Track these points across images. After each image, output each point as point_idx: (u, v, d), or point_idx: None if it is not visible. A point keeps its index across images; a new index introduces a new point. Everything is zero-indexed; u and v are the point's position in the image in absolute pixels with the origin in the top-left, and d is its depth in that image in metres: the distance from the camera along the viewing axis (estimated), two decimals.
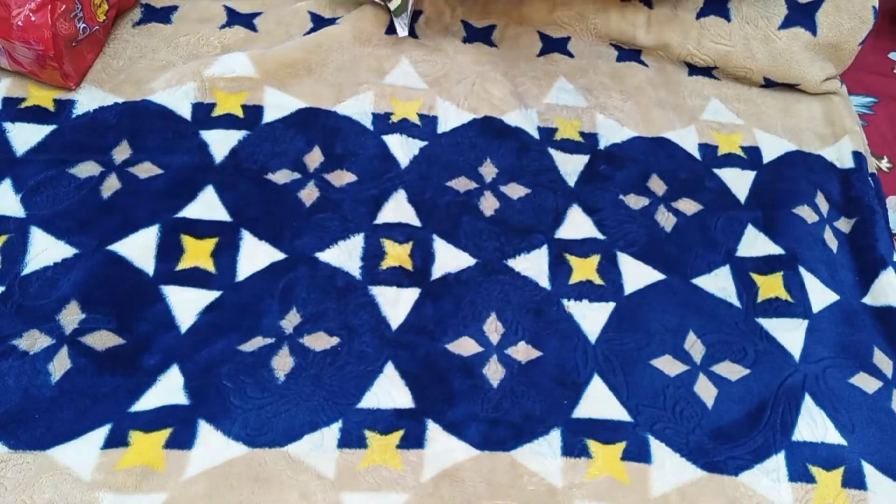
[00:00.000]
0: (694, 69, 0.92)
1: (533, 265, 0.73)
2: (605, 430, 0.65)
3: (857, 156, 0.86)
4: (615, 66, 0.91)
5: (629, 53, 0.92)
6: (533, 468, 0.62)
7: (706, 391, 0.68)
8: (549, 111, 0.85)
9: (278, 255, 0.72)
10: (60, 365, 0.64)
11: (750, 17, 0.89)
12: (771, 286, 0.75)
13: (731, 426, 0.66)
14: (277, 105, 0.82)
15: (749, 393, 0.68)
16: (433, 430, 0.64)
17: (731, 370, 0.69)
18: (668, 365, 0.69)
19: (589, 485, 0.62)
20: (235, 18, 0.90)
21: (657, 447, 0.64)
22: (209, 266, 0.71)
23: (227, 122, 0.80)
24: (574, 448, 0.64)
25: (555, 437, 0.64)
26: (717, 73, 0.93)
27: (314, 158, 0.78)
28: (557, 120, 0.84)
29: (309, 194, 0.76)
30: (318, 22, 0.90)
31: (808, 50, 0.89)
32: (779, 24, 0.89)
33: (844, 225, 0.82)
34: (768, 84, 0.92)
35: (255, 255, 0.72)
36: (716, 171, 0.84)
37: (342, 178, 0.77)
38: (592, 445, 0.64)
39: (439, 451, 0.62)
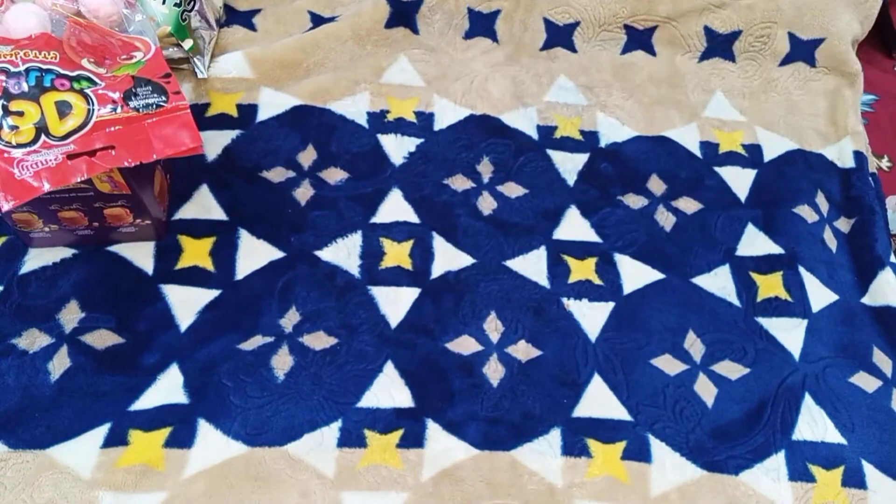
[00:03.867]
0: (708, 50, 0.90)
1: (531, 265, 0.73)
2: (605, 430, 0.65)
3: (859, 155, 0.86)
4: (619, 60, 0.90)
5: (638, 39, 0.91)
6: (533, 467, 0.62)
7: (706, 390, 0.68)
8: (549, 109, 0.85)
9: (277, 254, 0.72)
10: (60, 364, 0.64)
11: None
12: (770, 285, 0.75)
13: (731, 425, 0.66)
14: (272, 103, 0.81)
15: (749, 392, 0.68)
16: (433, 430, 0.64)
17: (731, 369, 0.69)
18: (668, 364, 0.69)
19: (589, 484, 0.62)
20: (234, 17, 0.89)
21: (657, 446, 0.64)
22: (208, 265, 0.71)
23: (221, 121, 0.80)
24: (574, 447, 0.64)
25: (555, 437, 0.64)
26: (735, 48, 0.90)
27: (308, 156, 0.78)
28: (557, 118, 0.84)
29: (304, 193, 0.76)
30: (318, 21, 0.90)
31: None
32: None
33: (844, 225, 0.82)
34: (792, 50, 0.89)
35: (253, 253, 0.72)
36: (716, 169, 0.83)
37: (336, 175, 0.77)
38: (592, 445, 0.64)
39: (439, 451, 0.62)
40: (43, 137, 0.58)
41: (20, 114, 0.58)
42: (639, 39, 0.91)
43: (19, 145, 0.57)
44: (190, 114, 0.61)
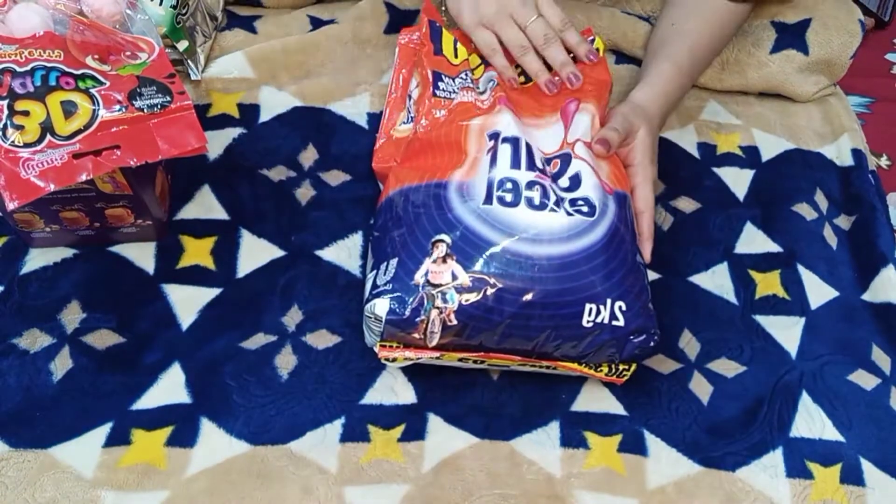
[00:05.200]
0: None
1: None
2: (602, 423, 0.65)
3: (857, 153, 0.86)
4: (613, 69, 0.90)
5: (628, 58, 0.92)
6: (532, 457, 0.63)
7: (701, 388, 0.68)
8: None
9: (278, 253, 0.72)
10: (62, 364, 0.64)
11: (741, 45, 0.89)
12: (769, 283, 0.76)
13: (727, 423, 0.66)
14: (273, 104, 0.82)
15: (746, 390, 0.68)
16: (434, 422, 0.64)
17: (728, 367, 0.70)
18: (661, 363, 0.69)
19: (587, 475, 0.62)
20: (235, 21, 0.90)
21: (653, 441, 0.65)
22: (209, 264, 0.71)
23: (223, 121, 0.80)
24: (572, 439, 0.64)
25: (553, 429, 0.64)
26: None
27: (309, 157, 0.79)
28: None
29: (305, 193, 0.76)
30: (318, 25, 0.90)
31: (802, 70, 0.89)
32: (770, 49, 0.89)
33: (844, 222, 0.82)
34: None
35: (254, 252, 0.72)
36: (714, 169, 0.84)
37: (337, 177, 0.78)
38: (590, 437, 0.64)
39: (440, 442, 0.63)
40: (48, 137, 0.58)
41: (26, 113, 0.58)
42: (627, 59, 0.92)
43: (25, 145, 0.57)
44: (195, 114, 0.62)
